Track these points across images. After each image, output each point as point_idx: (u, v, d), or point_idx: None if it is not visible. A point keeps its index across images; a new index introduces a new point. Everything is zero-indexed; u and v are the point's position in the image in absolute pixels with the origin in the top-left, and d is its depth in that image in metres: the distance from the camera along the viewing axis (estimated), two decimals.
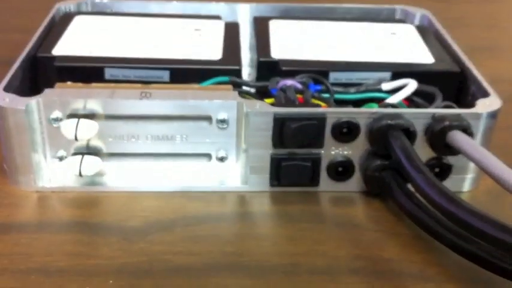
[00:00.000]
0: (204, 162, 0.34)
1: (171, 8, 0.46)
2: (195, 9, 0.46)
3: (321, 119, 0.32)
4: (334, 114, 0.32)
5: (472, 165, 0.34)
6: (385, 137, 0.32)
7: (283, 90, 0.35)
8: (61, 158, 0.33)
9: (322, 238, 0.31)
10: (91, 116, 0.32)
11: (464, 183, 0.35)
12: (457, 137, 0.31)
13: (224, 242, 0.31)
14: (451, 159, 0.33)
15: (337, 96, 0.37)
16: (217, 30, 0.42)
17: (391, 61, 0.39)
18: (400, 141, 0.31)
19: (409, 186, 0.32)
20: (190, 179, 0.35)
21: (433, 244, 0.30)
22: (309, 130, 0.32)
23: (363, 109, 0.34)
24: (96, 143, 0.33)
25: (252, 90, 0.37)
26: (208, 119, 0.33)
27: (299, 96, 0.35)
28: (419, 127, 0.32)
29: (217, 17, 0.44)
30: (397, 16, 0.47)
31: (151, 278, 0.28)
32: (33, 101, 0.32)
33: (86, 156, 0.33)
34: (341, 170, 0.34)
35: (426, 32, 0.43)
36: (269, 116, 0.32)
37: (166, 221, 0.32)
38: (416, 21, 0.46)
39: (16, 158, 0.33)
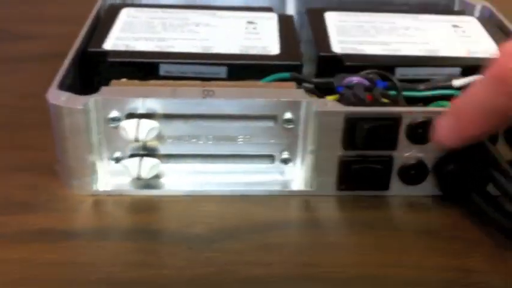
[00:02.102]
0: (267, 164, 0.33)
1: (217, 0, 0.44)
2: (243, 0, 0.44)
3: (397, 119, 0.30)
4: (410, 114, 0.30)
5: None
6: None
7: (350, 87, 0.33)
8: (117, 160, 0.32)
9: (404, 247, 0.29)
10: (150, 115, 0.31)
11: None
12: None
13: (296, 251, 0.29)
14: None
15: (404, 93, 0.34)
16: (271, 23, 0.40)
17: (461, 55, 0.37)
18: (482, 143, 0.29)
19: (489, 190, 0.30)
20: (251, 182, 0.33)
21: None
22: (383, 131, 0.30)
23: (440, 108, 0.32)
24: (154, 143, 0.32)
25: (311, 86, 0.35)
26: (273, 118, 0.31)
27: (367, 94, 0.33)
28: None
29: (269, 9, 0.42)
30: (456, 7, 0.45)
31: None
32: (92, 100, 0.30)
33: (144, 158, 0.31)
34: (413, 173, 0.32)
35: (489, 24, 0.41)
36: (340, 116, 0.30)
37: (232, 228, 0.30)
38: (477, 13, 0.44)
39: (70, 160, 0.31)
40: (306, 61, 0.39)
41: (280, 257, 0.29)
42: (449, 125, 0.28)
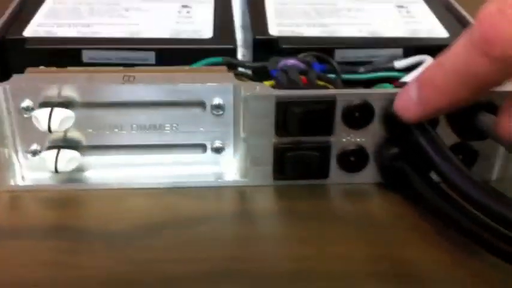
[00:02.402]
0: (198, 154, 0.30)
1: None
2: None
3: (330, 102, 0.28)
4: (344, 96, 0.28)
5: (501, 150, 0.30)
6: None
7: (285, 71, 0.31)
8: (34, 153, 0.29)
9: (336, 238, 0.27)
10: (67, 104, 0.28)
11: (492, 170, 0.31)
12: (487, 120, 0.27)
13: (224, 245, 0.27)
14: (476, 145, 0.30)
15: (344, 76, 0.33)
16: (207, 6, 0.38)
17: (403, 36, 0.35)
18: (422, 126, 0.27)
19: (432, 176, 0.28)
20: (182, 174, 0.31)
21: (460, 242, 0.26)
22: (317, 115, 0.28)
23: (377, 90, 0.30)
24: (74, 134, 0.29)
25: (249, 71, 0.33)
26: (201, 104, 0.29)
27: (302, 77, 0.31)
28: None
29: None
30: None
31: None
32: (0, 89, 0.27)
33: (62, 150, 0.29)
34: (353, 160, 0.30)
35: (434, 3, 0.39)
36: (271, 100, 0.28)
37: (157, 223, 0.28)
38: None
39: None
40: (247, 47, 0.37)
41: (206, 253, 0.26)
42: (414, 96, 0.26)
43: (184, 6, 0.37)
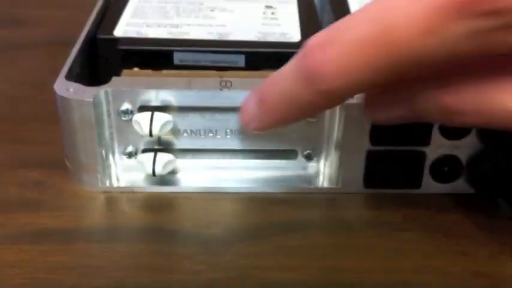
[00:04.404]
0: (290, 160, 0.31)
1: None
2: None
3: None
4: None
5: None
6: (501, 133, 0.28)
7: None
8: (130, 155, 0.30)
9: (433, 251, 0.27)
10: (164, 108, 0.29)
11: None
12: None
13: (320, 254, 0.27)
14: None
15: None
16: (291, 7, 0.38)
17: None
18: None
19: None
20: (273, 179, 0.31)
21: None
22: (413, 124, 0.28)
23: None
24: (169, 138, 0.30)
25: None
26: None
27: None
28: None
29: None
30: None
31: None
32: (102, 91, 0.28)
33: (159, 153, 0.29)
34: (446, 170, 0.30)
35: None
36: None
37: (252, 229, 0.28)
38: None
39: (80, 154, 0.29)
40: None
41: (303, 261, 0.27)
42: (254, 111, 0.26)
43: (268, 7, 0.37)
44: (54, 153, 0.31)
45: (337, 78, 0.21)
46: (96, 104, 0.28)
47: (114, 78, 0.29)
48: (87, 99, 0.27)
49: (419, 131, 0.29)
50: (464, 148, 0.29)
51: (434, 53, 0.19)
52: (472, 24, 0.19)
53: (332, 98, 0.22)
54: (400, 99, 0.24)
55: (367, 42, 0.20)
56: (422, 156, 0.29)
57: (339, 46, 0.21)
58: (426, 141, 0.29)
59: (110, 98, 0.28)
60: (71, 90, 0.28)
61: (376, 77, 0.21)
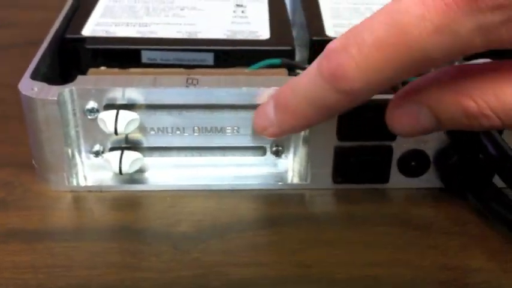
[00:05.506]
0: (258, 156, 0.31)
1: None
2: None
3: None
4: None
5: None
6: None
7: None
8: (97, 154, 0.30)
9: (403, 245, 0.27)
10: (130, 106, 0.28)
11: None
12: None
13: (289, 250, 0.27)
14: None
15: None
16: (261, 6, 0.38)
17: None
18: (489, 133, 0.27)
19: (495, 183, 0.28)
20: (242, 176, 0.31)
21: None
22: (379, 119, 0.28)
23: None
24: (136, 136, 0.29)
25: None
26: None
27: None
28: None
29: None
30: None
31: None
32: (66, 90, 0.28)
33: (126, 151, 0.29)
34: (414, 164, 0.30)
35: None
36: None
37: (220, 226, 0.28)
38: None
39: (47, 154, 0.29)
40: (300, 46, 0.37)
41: (273, 257, 0.27)
42: (271, 117, 0.26)
43: (239, 6, 0.37)
44: (22, 153, 0.31)
45: (359, 79, 0.22)
46: (60, 103, 0.27)
47: (80, 77, 0.29)
48: (51, 98, 0.27)
49: (386, 126, 0.29)
50: (431, 142, 0.29)
51: (447, 49, 0.20)
52: (479, 19, 0.19)
53: (355, 97, 0.23)
54: (422, 110, 0.24)
55: (385, 43, 0.21)
56: (389, 151, 0.29)
57: (359, 48, 0.21)
58: (393, 136, 0.29)
59: (75, 97, 0.28)
60: (35, 89, 0.28)
61: (395, 75, 0.22)
